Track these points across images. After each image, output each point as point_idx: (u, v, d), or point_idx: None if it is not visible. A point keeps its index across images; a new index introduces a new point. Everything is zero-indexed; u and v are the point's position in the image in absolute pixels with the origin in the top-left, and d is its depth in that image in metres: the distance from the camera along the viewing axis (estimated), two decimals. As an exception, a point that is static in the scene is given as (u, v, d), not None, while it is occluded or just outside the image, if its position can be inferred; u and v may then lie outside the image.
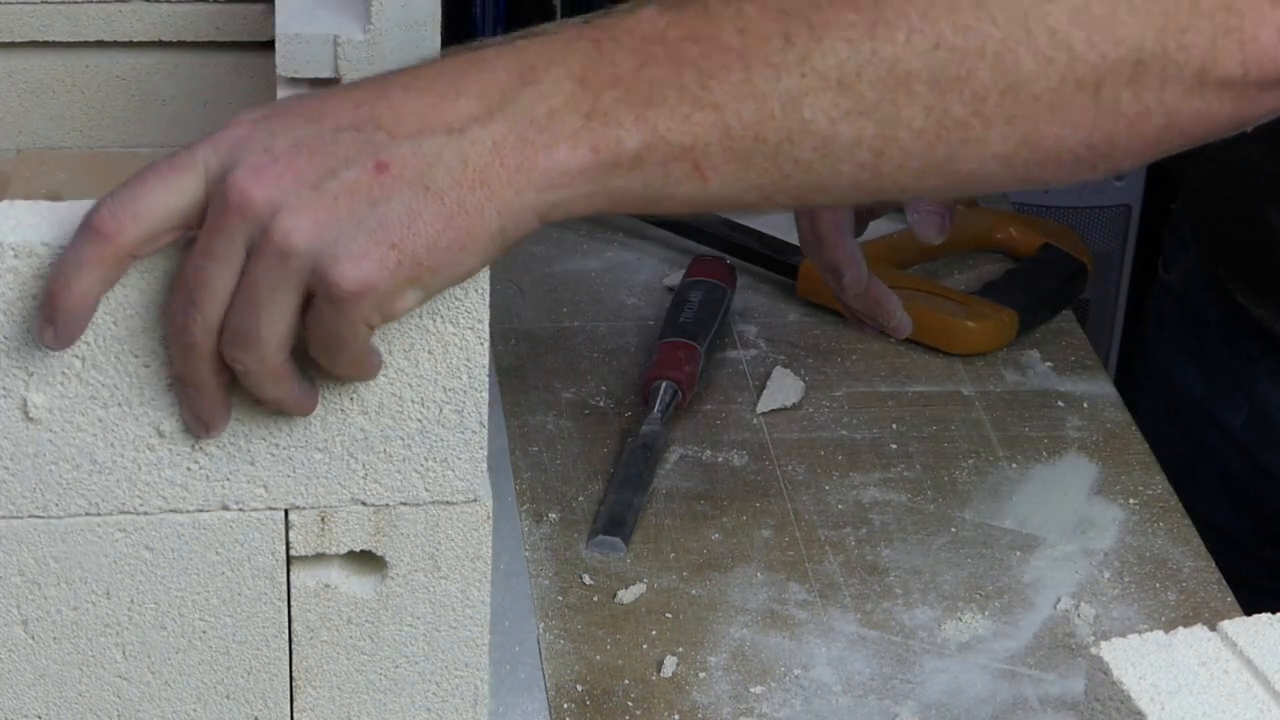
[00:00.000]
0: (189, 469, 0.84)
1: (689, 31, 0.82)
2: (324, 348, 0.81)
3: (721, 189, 0.83)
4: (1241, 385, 1.30)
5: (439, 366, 0.84)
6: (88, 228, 0.79)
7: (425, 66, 0.82)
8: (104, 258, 0.79)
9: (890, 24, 0.82)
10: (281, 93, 1.07)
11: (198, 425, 0.84)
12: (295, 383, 0.82)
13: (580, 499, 1.13)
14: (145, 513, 0.85)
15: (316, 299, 0.79)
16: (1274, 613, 0.78)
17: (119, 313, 0.81)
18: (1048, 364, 1.26)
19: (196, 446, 0.84)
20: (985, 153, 0.85)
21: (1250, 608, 1.09)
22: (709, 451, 1.18)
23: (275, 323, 0.79)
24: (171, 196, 0.79)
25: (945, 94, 0.83)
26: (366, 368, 0.83)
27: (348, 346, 0.81)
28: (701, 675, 1.02)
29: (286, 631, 0.88)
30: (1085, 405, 1.23)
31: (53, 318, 0.80)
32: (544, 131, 0.80)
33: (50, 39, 1.23)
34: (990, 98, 0.83)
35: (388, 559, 0.87)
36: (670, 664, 1.02)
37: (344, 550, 0.87)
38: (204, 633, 0.87)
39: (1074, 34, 0.83)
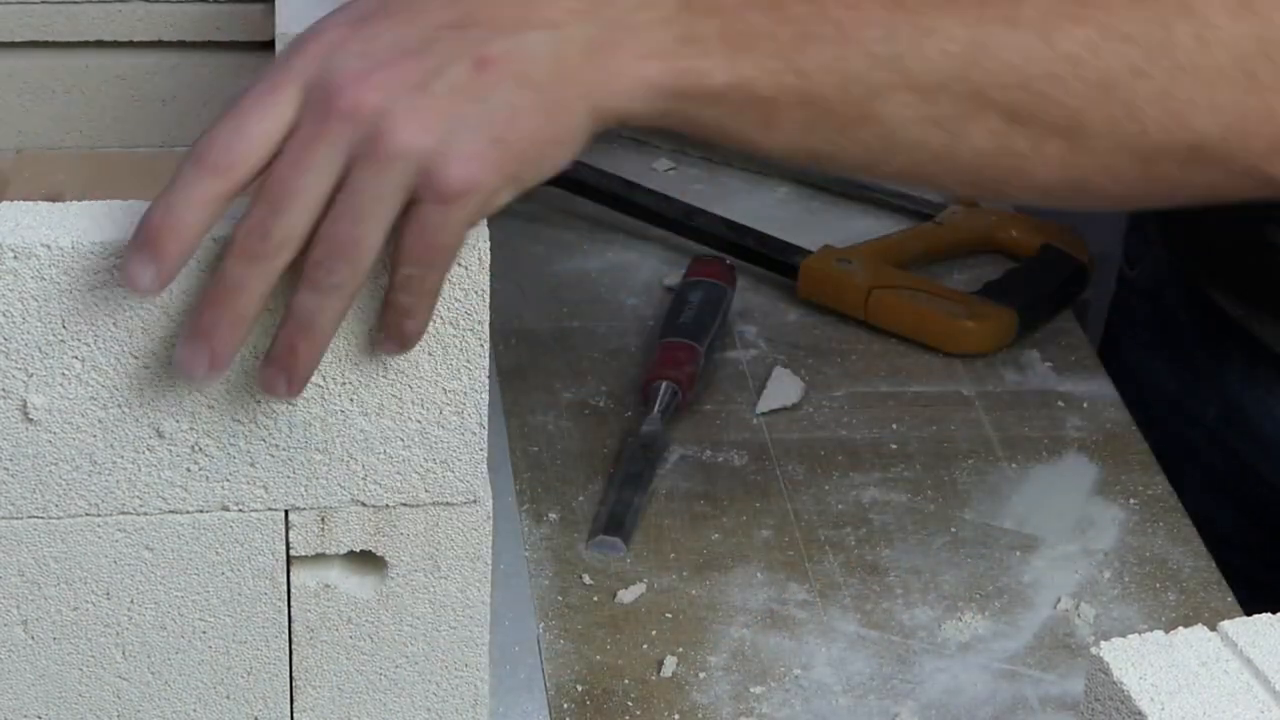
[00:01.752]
0: (189, 469, 0.84)
1: None
2: (420, 258, 0.79)
3: (783, 143, 0.86)
4: (1212, 381, 1.30)
5: (439, 368, 0.84)
6: (200, 163, 0.77)
7: None
8: (220, 193, 0.78)
9: (987, 51, 0.84)
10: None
11: (206, 355, 0.79)
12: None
13: (580, 499, 1.13)
14: (145, 513, 0.85)
15: (420, 204, 0.78)
16: (1272, 609, 0.79)
17: (119, 313, 0.81)
18: (1048, 364, 1.26)
19: (196, 447, 0.84)
20: (1030, 183, 0.88)
21: (1244, 597, 1.09)
22: (709, 451, 1.18)
23: (376, 231, 0.78)
24: (275, 119, 0.78)
25: (1015, 127, 0.85)
26: (433, 298, 0.81)
27: (447, 253, 0.79)
28: (701, 675, 1.02)
29: (286, 631, 0.88)
30: (1085, 405, 1.23)
31: (157, 257, 0.77)
32: (638, 42, 0.81)
33: (50, 39, 1.23)
34: (1052, 142, 0.86)
35: (388, 559, 0.87)
36: (670, 664, 1.02)
37: (344, 550, 0.87)
38: (204, 633, 0.87)
39: (1149, 112, 0.86)
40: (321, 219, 0.78)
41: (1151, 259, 1.37)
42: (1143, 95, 0.86)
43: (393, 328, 0.81)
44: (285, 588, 0.87)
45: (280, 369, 0.81)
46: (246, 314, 0.79)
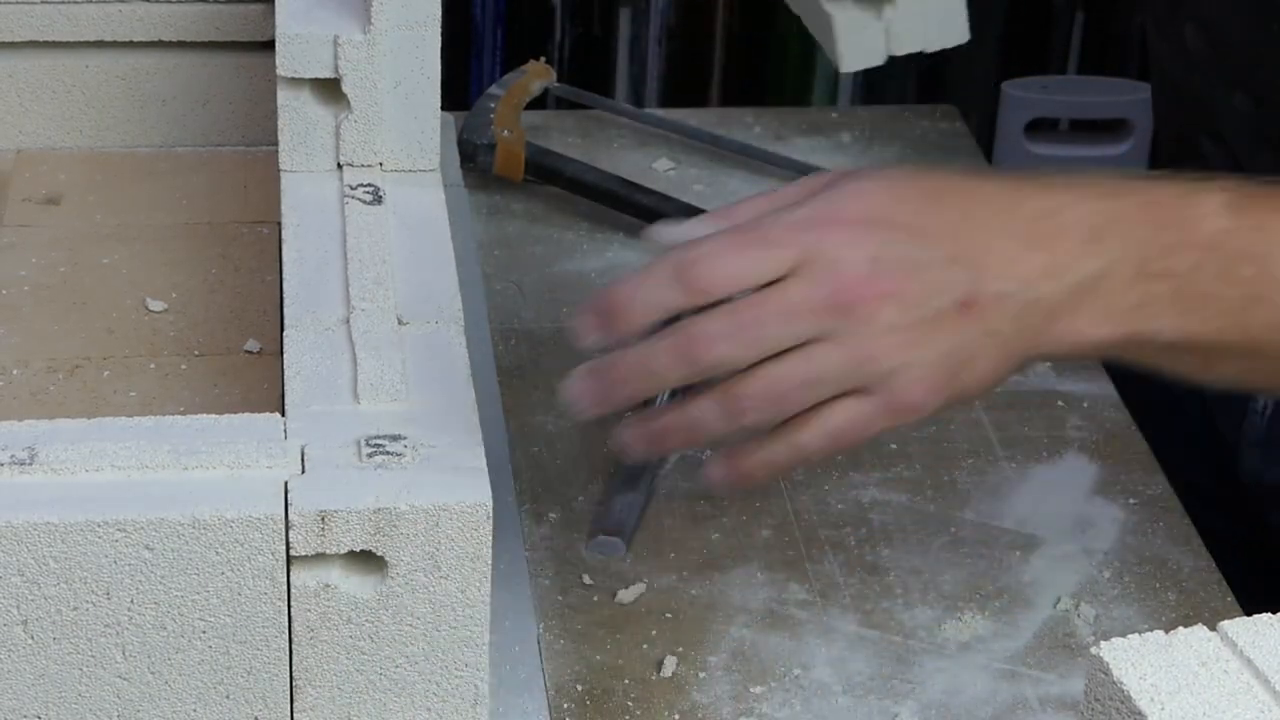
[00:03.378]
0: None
1: (1246, 247, 0.89)
2: (830, 439, 0.88)
3: (1216, 378, 0.94)
4: None
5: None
6: (681, 274, 0.86)
7: (1005, 195, 0.90)
8: (679, 306, 0.87)
9: None
10: (282, 93, 1.08)
11: (592, 400, 0.90)
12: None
13: (580, 499, 1.13)
14: (145, 513, 0.85)
15: (863, 398, 0.87)
16: (1272, 609, 0.79)
17: None
18: (1047, 364, 1.26)
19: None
20: None
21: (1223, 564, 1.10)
22: (709, 451, 1.17)
23: (807, 400, 0.88)
24: (760, 269, 0.87)
25: None
26: (792, 465, 0.92)
27: (852, 444, 0.90)
28: (701, 675, 1.02)
29: (286, 631, 0.88)
30: (1085, 405, 1.23)
31: (607, 327, 0.88)
32: (1096, 309, 0.89)
33: (50, 39, 1.23)
34: None
35: (388, 559, 0.87)
36: (670, 664, 1.02)
37: (344, 550, 0.87)
38: (204, 633, 0.87)
39: None
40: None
41: None
42: None
43: (741, 459, 0.90)
44: (285, 588, 0.87)
45: (642, 435, 0.92)
46: (644, 394, 0.90)
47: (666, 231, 0.92)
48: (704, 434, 0.90)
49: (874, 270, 0.86)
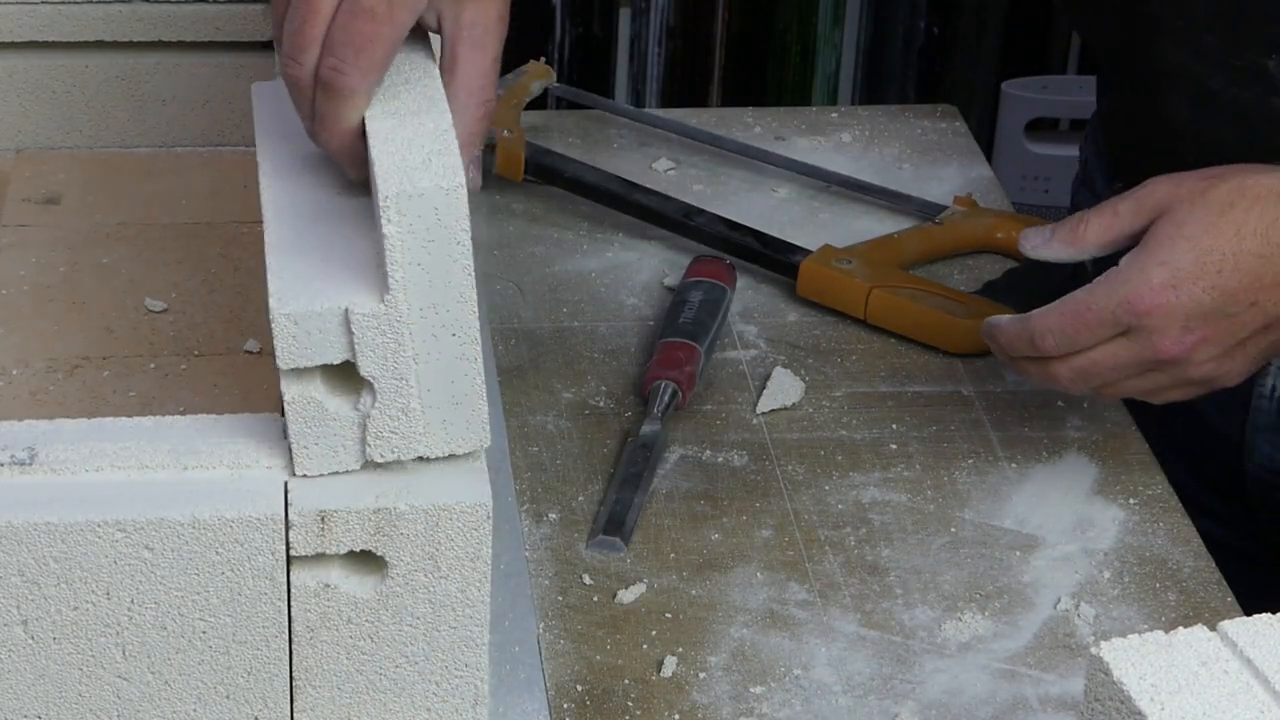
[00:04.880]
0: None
1: None
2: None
3: None
4: None
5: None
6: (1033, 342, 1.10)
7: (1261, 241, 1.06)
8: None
9: None
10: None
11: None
12: None
13: (580, 499, 1.13)
14: (145, 513, 0.85)
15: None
16: (1272, 609, 0.79)
17: None
18: (1048, 364, 1.26)
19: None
20: None
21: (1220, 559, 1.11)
22: (709, 451, 1.18)
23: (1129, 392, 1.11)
24: (1089, 336, 1.08)
25: None
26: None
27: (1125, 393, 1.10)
28: (701, 675, 1.02)
29: (286, 631, 0.88)
30: (1085, 405, 1.23)
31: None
32: None
33: (50, 39, 1.23)
34: None
35: (388, 559, 0.87)
36: (670, 664, 1.02)
37: (344, 550, 0.87)
38: (204, 633, 0.87)
39: None
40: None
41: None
42: None
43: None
44: (285, 588, 0.87)
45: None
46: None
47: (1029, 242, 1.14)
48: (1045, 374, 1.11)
49: (1182, 335, 1.05)
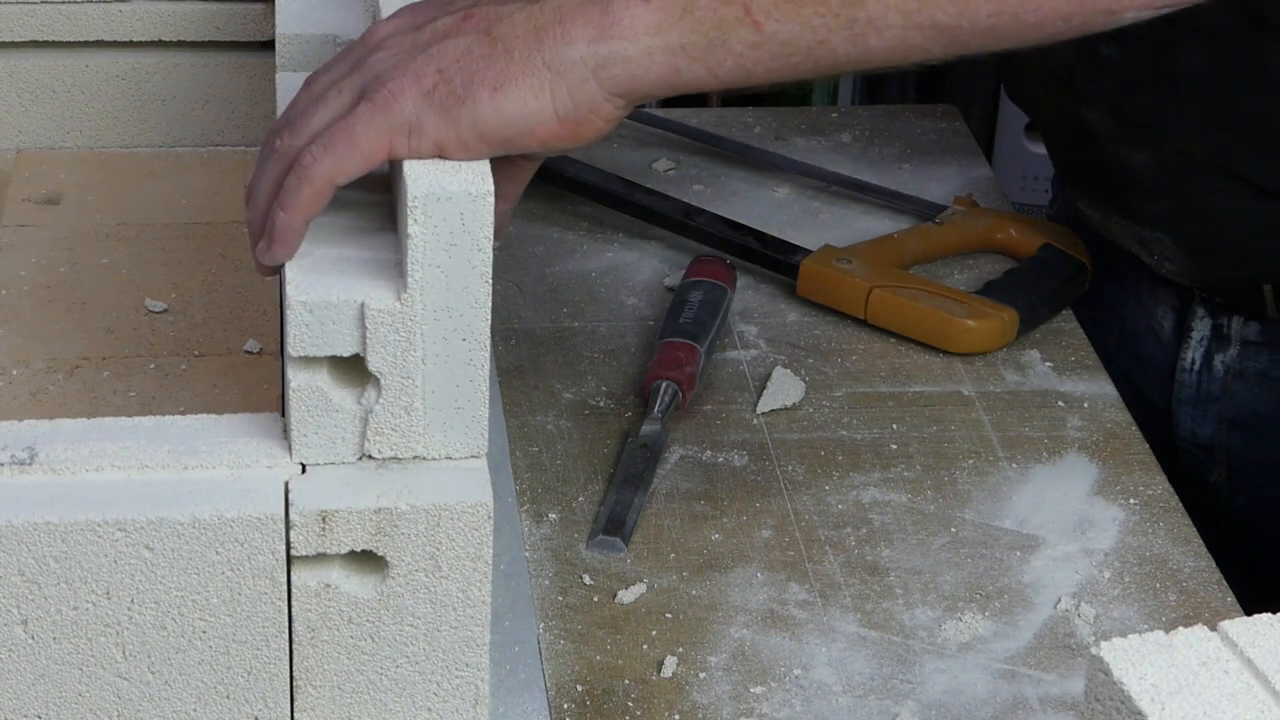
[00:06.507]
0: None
1: None
2: (329, 139, 0.87)
3: (776, 33, 0.89)
4: (1112, 308, 1.32)
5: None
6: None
7: None
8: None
9: None
10: (281, 91, 1.08)
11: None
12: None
13: (580, 499, 1.13)
14: (145, 513, 0.85)
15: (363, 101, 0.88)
16: (1271, 609, 0.79)
17: None
18: (1048, 364, 1.26)
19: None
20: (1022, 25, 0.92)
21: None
22: (709, 451, 1.18)
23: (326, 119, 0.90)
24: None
25: None
26: (316, 201, 0.88)
27: (355, 145, 0.88)
28: (701, 675, 1.02)
29: (286, 631, 0.88)
30: (1085, 405, 1.23)
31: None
32: None
33: (50, 39, 1.23)
34: None
35: (388, 559, 0.87)
36: (670, 664, 1.02)
37: (344, 550, 0.87)
38: (204, 633, 0.87)
39: None
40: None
41: (1062, 195, 1.39)
42: None
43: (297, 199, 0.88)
44: (285, 588, 0.87)
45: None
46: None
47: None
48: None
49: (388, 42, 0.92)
